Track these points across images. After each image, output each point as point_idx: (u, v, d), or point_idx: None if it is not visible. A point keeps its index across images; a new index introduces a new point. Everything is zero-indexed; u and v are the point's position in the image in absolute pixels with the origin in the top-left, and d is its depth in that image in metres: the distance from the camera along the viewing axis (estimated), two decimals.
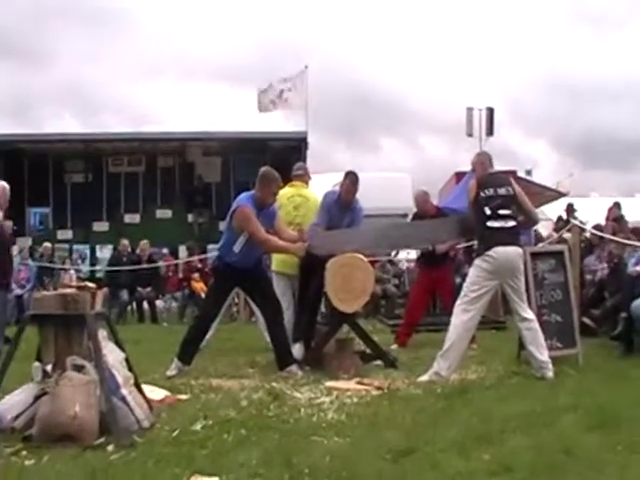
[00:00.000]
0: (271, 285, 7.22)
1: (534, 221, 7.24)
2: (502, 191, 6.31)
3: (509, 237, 6.20)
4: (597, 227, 11.19)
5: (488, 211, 6.21)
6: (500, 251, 6.11)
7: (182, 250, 15.98)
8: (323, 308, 8.01)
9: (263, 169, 6.95)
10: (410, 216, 10.39)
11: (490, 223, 6.20)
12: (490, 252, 6.12)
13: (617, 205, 13.27)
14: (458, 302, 6.29)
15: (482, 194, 6.28)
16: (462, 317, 6.21)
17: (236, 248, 6.70)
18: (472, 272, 6.31)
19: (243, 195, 6.90)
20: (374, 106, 63.91)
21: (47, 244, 14.99)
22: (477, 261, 6.26)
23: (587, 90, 62.83)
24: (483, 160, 6.67)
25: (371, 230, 7.80)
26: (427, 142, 65.87)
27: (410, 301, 9.63)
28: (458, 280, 10.52)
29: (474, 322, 6.31)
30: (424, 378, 6.15)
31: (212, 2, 67.45)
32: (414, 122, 67.74)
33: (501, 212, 6.22)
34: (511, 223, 6.25)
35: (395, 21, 69.21)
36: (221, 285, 7.15)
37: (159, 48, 62.18)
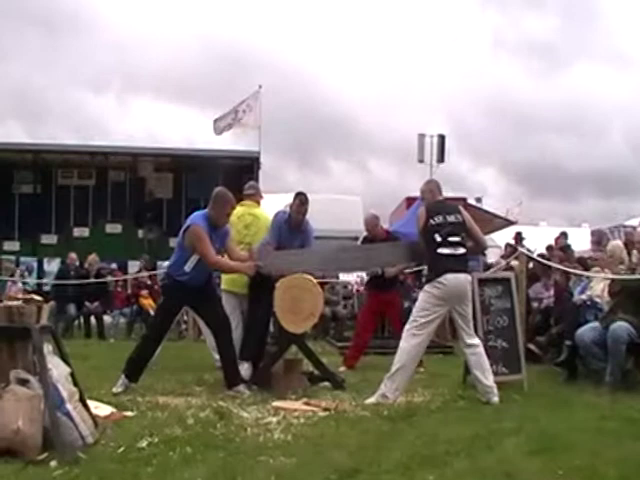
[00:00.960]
0: (221, 303, 7.18)
1: (483, 248, 7.37)
2: (451, 218, 6.38)
3: (459, 264, 6.28)
4: (543, 256, 11.36)
5: (439, 238, 6.27)
6: (451, 278, 6.18)
7: (131, 265, 15.83)
8: (272, 328, 8.00)
9: (217, 189, 6.87)
10: (360, 239, 10.45)
11: (441, 250, 6.25)
12: (441, 279, 6.18)
13: (564, 235, 13.53)
14: (407, 327, 6.33)
15: (432, 221, 6.33)
16: (411, 341, 6.25)
17: (187, 267, 6.64)
18: (422, 297, 6.35)
19: (197, 213, 6.80)
20: (327, 128, 64.36)
21: None
22: (427, 287, 6.31)
23: (535, 121, 64.10)
24: (432, 188, 6.72)
25: (321, 252, 7.82)
26: (376, 166, 66.32)
27: (359, 324, 9.68)
28: (407, 304, 10.61)
29: (423, 346, 6.36)
30: (371, 400, 6.18)
31: (165, 15, 67.32)
32: (365, 146, 68.33)
33: (451, 239, 6.28)
34: (461, 250, 6.32)
35: (350, 45, 69.95)
36: (171, 303, 7.06)
37: (107, 59, 61.68)
